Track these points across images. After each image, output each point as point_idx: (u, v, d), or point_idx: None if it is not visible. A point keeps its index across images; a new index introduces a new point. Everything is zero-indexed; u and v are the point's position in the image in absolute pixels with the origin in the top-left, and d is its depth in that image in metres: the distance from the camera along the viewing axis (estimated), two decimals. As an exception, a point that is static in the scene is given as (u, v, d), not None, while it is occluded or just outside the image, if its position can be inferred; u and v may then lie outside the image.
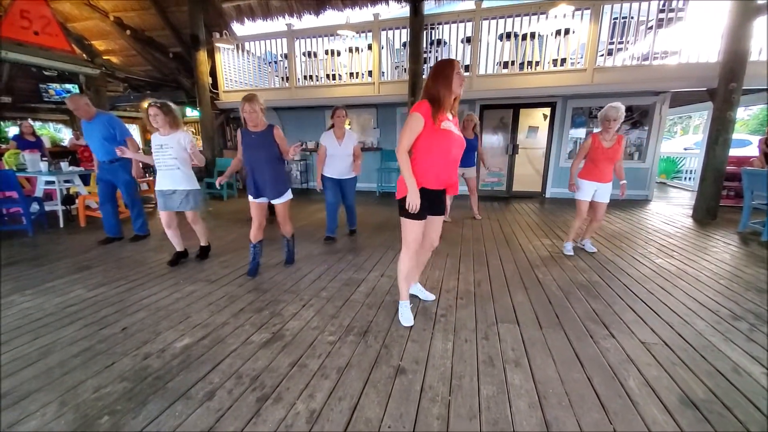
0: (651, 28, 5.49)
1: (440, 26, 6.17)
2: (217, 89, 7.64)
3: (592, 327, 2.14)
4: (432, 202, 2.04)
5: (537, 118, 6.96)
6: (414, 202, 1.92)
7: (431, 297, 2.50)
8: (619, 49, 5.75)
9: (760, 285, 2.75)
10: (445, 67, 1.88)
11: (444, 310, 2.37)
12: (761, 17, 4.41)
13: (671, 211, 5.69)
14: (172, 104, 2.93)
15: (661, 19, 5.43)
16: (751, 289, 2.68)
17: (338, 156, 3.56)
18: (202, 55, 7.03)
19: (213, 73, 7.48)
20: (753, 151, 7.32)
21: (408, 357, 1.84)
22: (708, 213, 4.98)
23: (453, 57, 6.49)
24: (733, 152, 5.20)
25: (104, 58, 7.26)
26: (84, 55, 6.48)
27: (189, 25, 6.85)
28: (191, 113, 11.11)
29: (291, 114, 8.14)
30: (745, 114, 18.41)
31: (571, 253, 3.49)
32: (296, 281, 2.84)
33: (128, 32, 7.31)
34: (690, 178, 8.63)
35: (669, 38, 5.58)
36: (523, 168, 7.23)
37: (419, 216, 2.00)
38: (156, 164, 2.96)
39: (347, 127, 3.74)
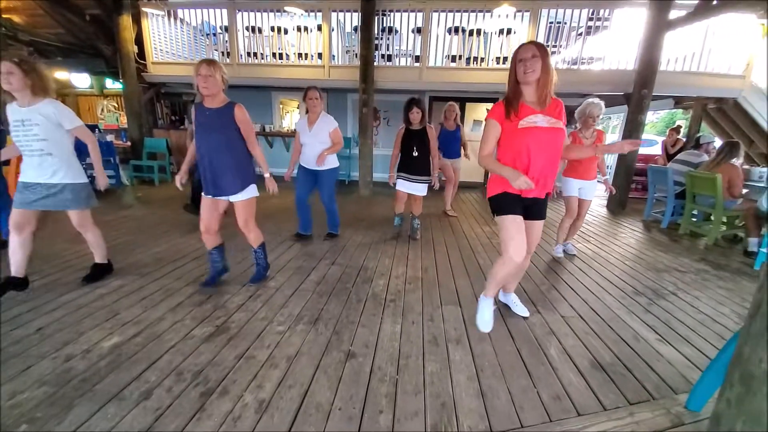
0: (581, 34, 6.02)
1: (392, 14, 6.14)
2: (144, 60, 6.83)
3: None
4: (522, 204, 1.85)
5: (481, 113, 7.32)
6: (520, 182, 1.64)
7: (525, 312, 2.21)
8: (553, 53, 6.23)
9: (657, 265, 3.25)
10: (512, 59, 1.73)
11: (393, 295, 2.46)
12: (670, 32, 5.06)
13: (592, 201, 6.41)
14: (37, 62, 2.10)
15: (590, 27, 5.97)
16: (650, 269, 3.16)
17: (309, 144, 3.24)
18: (126, 20, 6.22)
19: (139, 42, 6.66)
20: (658, 150, 8.47)
21: (358, 341, 1.89)
22: (619, 204, 5.71)
23: (406, 46, 6.56)
24: (642, 151, 5.98)
25: (4, 16, 6.06)
26: (-24, 11, 5.36)
27: (110, -16, 6.00)
28: (113, 85, 9.83)
29: (233, 93, 7.52)
30: (654, 117, 21.15)
31: (561, 255, 3.35)
32: (242, 272, 2.73)
33: (32, -14, 6.18)
34: (606, 173, 9.76)
35: (595, 45, 6.16)
36: (467, 160, 7.59)
37: (509, 210, 1.81)
38: (19, 148, 2.13)
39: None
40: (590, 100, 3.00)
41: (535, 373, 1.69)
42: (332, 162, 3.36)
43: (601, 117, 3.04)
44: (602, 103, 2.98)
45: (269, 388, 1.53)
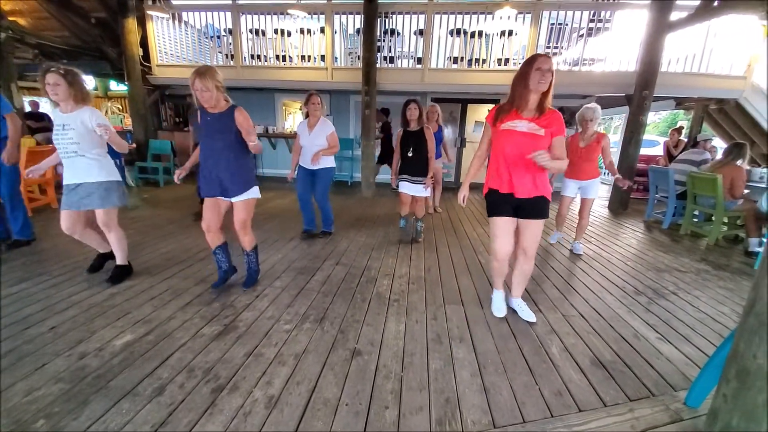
0: (582, 35, 6.05)
1: (394, 16, 6.19)
2: (149, 62, 6.90)
3: (525, 305, 2.41)
4: (512, 205, 1.99)
5: (483, 114, 7.36)
6: (460, 194, 2.14)
7: (531, 317, 2.20)
8: (555, 54, 6.26)
9: (658, 265, 3.28)
10: (524, 65, 1.82)
11: (397, 294, 2.50)
12: (671, 33, 5.09)
13: (593, 201, 6.44)
14: (78, 72, 2.30)
15: (591, 28, 6.00)
16: (651, 269, 3.19)
17: (307, 146, 3.43)
18: (131, 24, 6.29)
19: (144, 44, 6.73)
20: (659, 151, 8.48)
21: (363, 340, 1.93)
22: (621, 204, 5.73)
23: (406, 48, 6.61)
24: (644, 151, 6.00)
25: (10, 19, 6.13)
26: (-17, 15, 5.43)
27: (115, -12, 6.07)
28: (117, 87, 9.92)
29: (238, 95, 7.61)
30: (656, 117, 21.12)
31: (554, 242, 3.55)
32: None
33: (37, -10, 6.26)
34: (608, 173, 9.77)
35: (596, 46, 6.19)
36: (469, 160, 7.63)
37: (495, 212, 2.02)
38: (58, 151, 2.33)
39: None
40: (586, 105, 3.24)
41: (537, 370, 1.73)
42: (328, 162, 3.53)
43: (597, 120, 3.26)
44: (597, 107, 3.19)
45: (278, 384, 1.57)
